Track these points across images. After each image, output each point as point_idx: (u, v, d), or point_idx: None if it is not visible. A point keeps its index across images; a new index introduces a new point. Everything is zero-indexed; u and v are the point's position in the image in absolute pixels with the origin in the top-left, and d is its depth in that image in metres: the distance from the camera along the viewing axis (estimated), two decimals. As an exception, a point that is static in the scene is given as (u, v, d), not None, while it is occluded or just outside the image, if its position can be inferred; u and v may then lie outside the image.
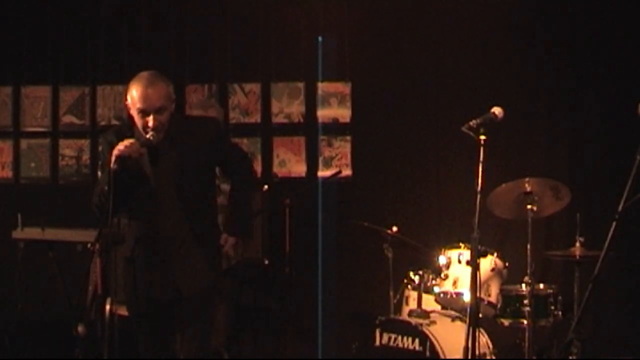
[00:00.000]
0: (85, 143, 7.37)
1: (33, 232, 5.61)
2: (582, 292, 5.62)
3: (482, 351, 5.43)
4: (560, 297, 5.95)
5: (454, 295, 5.77)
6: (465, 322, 5.13)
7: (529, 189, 5.69)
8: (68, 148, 7.40)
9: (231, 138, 4.89)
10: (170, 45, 7.18)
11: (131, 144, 4.30)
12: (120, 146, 4.29)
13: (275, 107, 7.26)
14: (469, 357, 4.65)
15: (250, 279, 6.78)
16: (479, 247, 4.66)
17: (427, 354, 5.43)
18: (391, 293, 6.03)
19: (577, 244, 5.87)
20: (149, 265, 4.46)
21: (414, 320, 5.65)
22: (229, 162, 4.68)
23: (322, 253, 7.05)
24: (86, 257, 5.35)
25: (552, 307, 5.90)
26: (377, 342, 5.68)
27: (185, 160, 4.44)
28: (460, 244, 5.82)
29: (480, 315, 5.42)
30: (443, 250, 5.91)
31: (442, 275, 5.85)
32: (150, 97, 4.34)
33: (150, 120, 4.35)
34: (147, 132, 4.37)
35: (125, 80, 7.12)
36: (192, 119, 5.11)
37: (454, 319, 5.76)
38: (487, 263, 5.74)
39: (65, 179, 7.39)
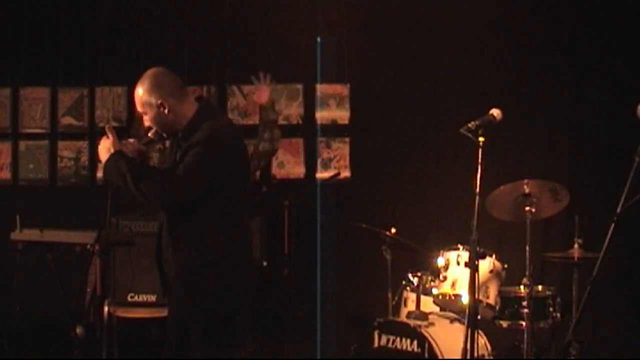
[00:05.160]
0: (83, 144, 7.37)
1: (31, 234, 5.60)
2: (580, 293, 5.62)
3: (480, 353, 5.42)
4: (558, 299, 5.95)
5: (453, 297, 5.77)
6: (463, 323, 5.12)
7: (527, 190, 5.70)
8: (67, 149, 7.40)
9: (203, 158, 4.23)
10: (169, 46, 7.17)
11: (126, 145, 4.32)
12: None
13: (274, 108, 7.26)
14: (468, 359, 4.65)
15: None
16: (478, 248, 4.66)
17: (426, 355, 5.43)
18: (389, 295, 6.03)
19: (576, 246, 5.88)
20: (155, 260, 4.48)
21: (412, 322, 5.65)
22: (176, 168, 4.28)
23: (320, 255, 7.05)
24: (85, 259, 5.35)
25: (551, 309, 5.90)
26: (376, 344, 5.67)
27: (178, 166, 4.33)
28: (459, 246, 5.82)
29: (479, 317, 5.43)
30: (441, 251, 5.91)
31: (441, 277, 5.85)
32: (134, 99, 4.40)
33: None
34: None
35: (123, 82, 7.24)
36: (206, 127, 4.33)
37: (452, 320, 5.76)
38: (486, 265, 5.74)
39: (63, 180, 7.38)
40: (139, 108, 4.37)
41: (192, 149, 4.22)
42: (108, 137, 4.31)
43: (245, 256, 4.42)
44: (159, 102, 4.29)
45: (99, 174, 7.26)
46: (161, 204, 4.28)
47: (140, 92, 4.33)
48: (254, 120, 7.20)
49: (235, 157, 4.37)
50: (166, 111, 4.30)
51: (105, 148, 4.30)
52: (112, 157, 4.26)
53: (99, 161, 4.28)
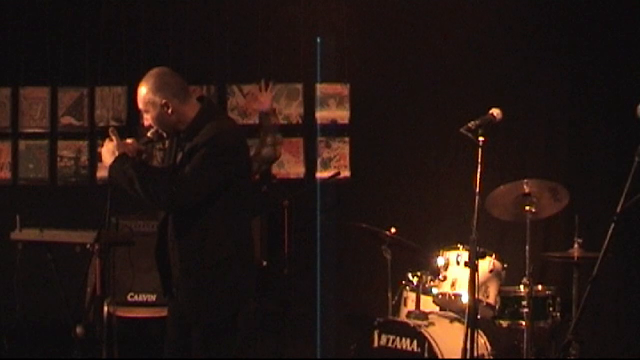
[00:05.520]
0: (84, 144, 7.37)
1: (32, 234, 5.60)
2: (580, 293, 5.63)
3: (480, 352, 5.42)
4: (558, 299, 5.96)
5: (453, 297, 5.77)
6: (463, 323, 5.12)
7: (527, 190, 5.70)
8: (67, 149, 7.40)
9: (210, 160, 4.23)
10: (169, 46, 7.17)
11: (125, 144, 4.32)
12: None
13: (274, 108, 7.26)
14: (468, 359, 4.65)
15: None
16: (478, 248, 4.66)
17: (426, 355, 5.43)
18: (390, 294, 6.03)
19: (576, 246, 5.88)
20: (155, 260, 4.48)
21: (412, 322, 5.65)
22: (183, 170, 4.27)
23: (320, 255, 7.05)
24: (85, 259, 5.35)
25: (551, 309, 5.91)
26: (376, 344, 5.67)
27: (184, 166, 4.32)
28: (459, 246, 5.83)
29: (479, 317, 5.43)
30: (442, 251, 5.91)
31: (441, 277, 5.85)
32: (137, 97, 4.39)
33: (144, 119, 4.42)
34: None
35: (123, 82, 7.24)
36: (211, 127, 4.33)
37: (452, 320, 5.76)
38: (486, 264, 5.74)
39: (63, 180, 7.38)
40: (142, 107, 4.36)
41: (197, 150, 4.22)
42: (112, 140, 4.32)
43: (247, 257, 4.42)
44: (164, 102, 4.29)
45: (99, 174, 7.26)
46: (168, 205, 4.28)
47: (144, 91, 4.33)
48: (254, 120, 7.22)
49: (239, 158, 4.38)
50: (170, 111, 4.30)
51: (109, 151, 4.30)
52: (117, 161, 4.26)
53: (100, 161, 4.27)
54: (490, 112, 4.75)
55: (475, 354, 4.73)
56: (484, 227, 4.71)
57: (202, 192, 4.24)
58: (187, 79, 4.53)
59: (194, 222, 4.28)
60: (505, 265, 5.89)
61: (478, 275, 4.71)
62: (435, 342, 5.44)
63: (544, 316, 5.88)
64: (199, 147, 4.23)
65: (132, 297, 6.37)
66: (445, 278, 5.83)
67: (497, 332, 5.90)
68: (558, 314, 5.93)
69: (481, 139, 4.62)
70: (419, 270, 6.01)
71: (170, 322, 4.53)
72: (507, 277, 5.92)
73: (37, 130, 7.42)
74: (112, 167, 4.28)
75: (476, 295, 4.74)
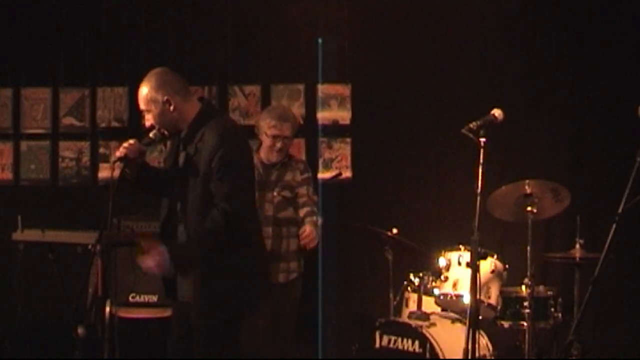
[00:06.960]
0: (85, 145, 7.37)
1: (33, 234, 5.61)
2: (582, 294, 5.62)
3: (482, 353, 5.43)
4: (560, 299, 5.96)
5: (454, 297, 5.77)
6: (465, 324, 5.12)
7: (528, 190, 5.70)
8: (68, 150, 7.40)
9: (230, 161, 4.26)
10: (170, 46, 7.17)
11: (130, 144, 4.33)
12: (121, 148, 4.32)
13: (275, 109, 7.26)
14: (469, 359, 4.65)
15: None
16: (479, 249, 4.66)
17: (427, 355, 5.43)
18: (391, 295, 6.03)
19: (577, 246, 5.89)
20: None
21: (414, 322, 5.65)
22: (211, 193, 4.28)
23: (322, 255, 7.04)
24: (86, 259, 5.36)
25: (552, 309, 5.91)
26: (377, 344, 5.68)
27: (189, 166, 4.36)
28: (460, 246, 5.83)
29: (480, 317, 5.42)
30: (443, 252, 5.92)
31: (442, 277, 5.85)
32: (138, 97, 4.43)
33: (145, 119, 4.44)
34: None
35: (125, 82, 7.24)
36: (214, 126, 4.37)
37: (453, 320, 5.77)
38: (487, 265, 5.74)
39: (65, 180, 7.39)
40: (143, 106, 4.39)
41: (208, 152, 4.24)
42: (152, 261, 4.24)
43: (255, 257, 4.42)
44: (165, 98, 4.33)
45: (100, 174, 7.27)
46: (230, 226, 4.21)
47: (145, 89, 4.36)
48: (256, 120, 7.20)
49: (249, 154, 4.44)
50: (172, 108, 4.33)
51: (159, 264, 4.22)
52: (174, 258, 4.19)
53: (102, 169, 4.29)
54: (492, 112, 4.76)
55: (477, 354, 4.74)
56: (485, 228, 4.71)
57: (245, 193, 4.31)
58: (188, 80, 4.55)
59: (200, 222, 4.28)
60: (507, 266, 5.89)
61: (479, 276, 4.72)
62: (437, 343, 5.44)
63: (546, 316, 5.89)
64: (209, 149, 4.23)
65: (133, 297, 6.38)
66: (446, 278, 5.83)
67: (498, 333, 5.90)
68: (559, 315, 5.93)
69: (482, 139, 4.63)
70: (420, 271, 6.02)
71: (174, 322, 4.53)
72: (508, 278, 5.92)
73: (38, 131, 7.43)
74: (177, 266, 4.23)
75: (477, 296, 4.74)
